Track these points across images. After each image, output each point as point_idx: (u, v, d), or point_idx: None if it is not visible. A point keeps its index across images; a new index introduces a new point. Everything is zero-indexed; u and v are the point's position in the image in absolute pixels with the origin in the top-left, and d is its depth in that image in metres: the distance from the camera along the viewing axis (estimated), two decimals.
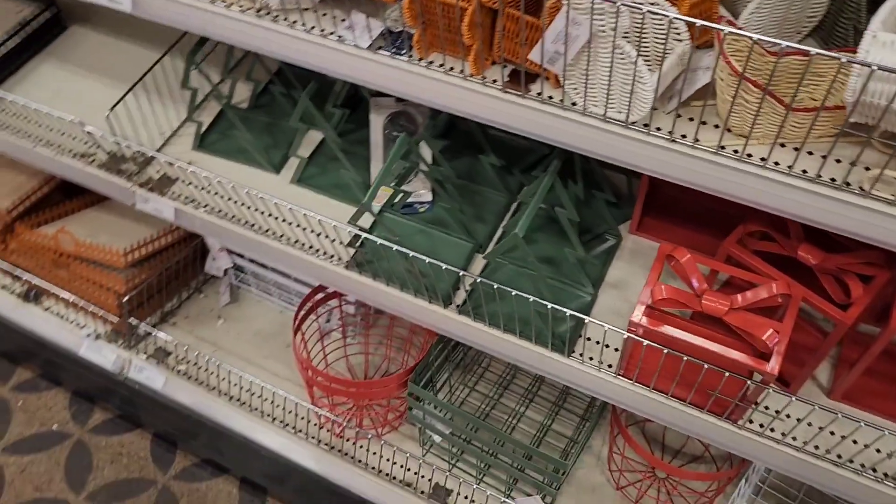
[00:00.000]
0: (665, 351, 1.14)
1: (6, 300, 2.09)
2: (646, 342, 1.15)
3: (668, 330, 1.12)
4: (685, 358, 1.13)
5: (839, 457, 1.19)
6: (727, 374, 1.11)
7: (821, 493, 1.70)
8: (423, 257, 1.31)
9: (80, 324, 2.00)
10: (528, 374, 1.93)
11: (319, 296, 1.80)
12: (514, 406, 1.87)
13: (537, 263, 1.38)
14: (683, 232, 1.51)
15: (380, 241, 1.35)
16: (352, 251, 1.48)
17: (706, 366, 1.12)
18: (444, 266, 1.30)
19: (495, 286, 1.27)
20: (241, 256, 2.00)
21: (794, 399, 1.12)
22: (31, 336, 2.07)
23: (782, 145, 1.01)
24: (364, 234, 1.38)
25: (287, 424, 1.82)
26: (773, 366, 1.08)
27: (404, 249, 1.31)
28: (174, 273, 2.02)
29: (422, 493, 1.70)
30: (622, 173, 1.64)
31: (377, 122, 1.61)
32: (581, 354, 1.35)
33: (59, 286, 1.97)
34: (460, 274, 1.30)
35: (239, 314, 2.09)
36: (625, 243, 1.53)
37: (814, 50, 0.81)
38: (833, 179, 0.96)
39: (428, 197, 1.60)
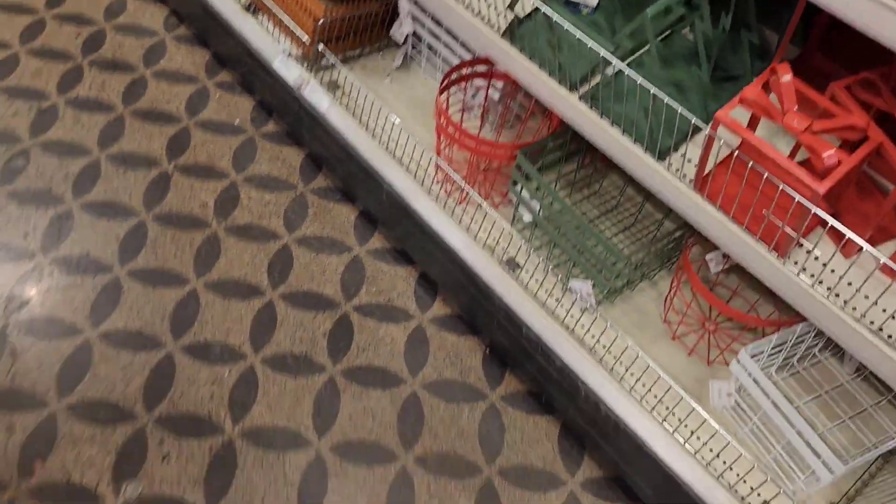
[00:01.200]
0: (736, 153, 1.27)
1: (232, 7, 2.48)
2: (722, 140, 1.28)
3: (743, 133, 1.25)
4: (750, 163, 1.26)
5: (855, 308, 1.29)
6: (781, 186, 1.23)
7: (852, 395, 1.78)
8: (568, 26, 1.48)
9: (280, 41, 2.36)
10: (630, 209, 2.08)
11: (468, 70, 2.03)
12: (606, 231, 2.04)
13: (658, 65, 1.51)
14: None
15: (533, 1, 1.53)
16: (511, 16, 1.68)
17: (766, 175, 1.24)
18: (579, 37, 1.46)
19: (615, 68, 1.42)
20: (423, 26, 2.25)
21: (825, 231, 1.22)
22: (242, 43, 2.47)
23: None
24: None
25: (412, 171, 2.10)
26: (824, 186, 1.18)
27: (550, 12, 1.49)
28: (365, 24, 2.32)
29: (497, 259, 1.94)
30: (774, 30, 1.69)
31: None
32: (669, 164, 1.50)
33: (274, 3, 2.32)
34: (597, 48, 1.45)
35: (405, 79, 2.37)
36: None
37: None
38: None
39: (593, 3, 1.75)
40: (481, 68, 2.04)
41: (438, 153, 2.04)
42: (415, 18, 2.26)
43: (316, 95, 2.27)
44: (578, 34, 1.48)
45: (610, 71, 1.62)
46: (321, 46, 2.23)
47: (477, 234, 2.00)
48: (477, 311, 2.05)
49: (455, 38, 2.19)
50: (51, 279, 2.07)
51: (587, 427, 1.84)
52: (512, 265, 1.93)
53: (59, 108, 2.49)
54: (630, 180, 2.11)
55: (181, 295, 2.07)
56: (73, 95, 2.53)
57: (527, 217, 1.92)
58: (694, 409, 1.60)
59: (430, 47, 2.30)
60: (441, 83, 1.98)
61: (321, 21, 2.16)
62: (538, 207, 1.86)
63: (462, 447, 1.88)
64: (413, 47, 2.38)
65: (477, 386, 1.99)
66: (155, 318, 2.02)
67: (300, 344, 2.02)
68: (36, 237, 2.15)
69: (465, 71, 2.03)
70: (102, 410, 1.85)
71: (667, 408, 1.71)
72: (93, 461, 1.77)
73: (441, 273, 2.12)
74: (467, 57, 2.16)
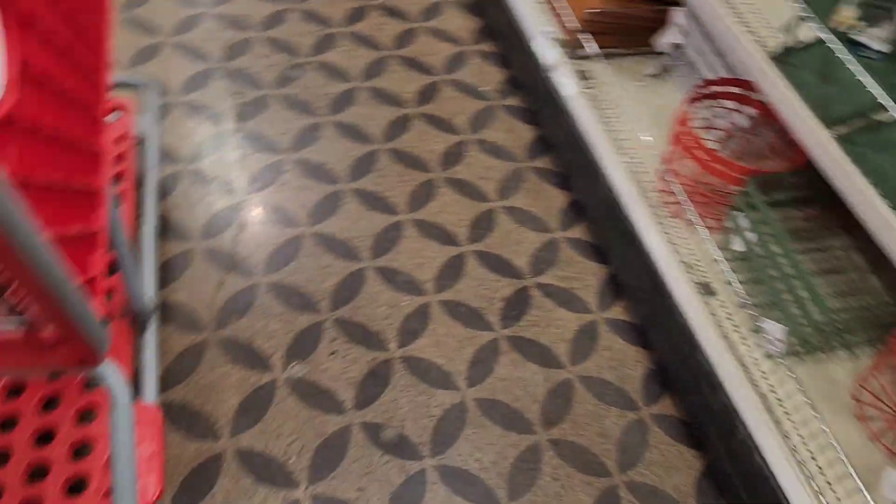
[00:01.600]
0: None
1: None
2: None
3: None
4: None
5: None
6: None
7: None
8: (851, 64, 1.42)
9: (544, 23, 2.46)
10: (852, 276, 1.94)
11: (719, 89, 1.99)
12: (819, 289, 1.92)
13: None
14: None
15: (816, 30, 1.49)
16: (790, 41, 1.64)
17: None
18: (859, 77, 1.40)
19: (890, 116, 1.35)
20: (687, 37, 2.24)
21: None
22: (509, 15, 2.61)
23: None
24: (802, 15, 1.52)
25: (635, 174, 2.11)
26: None
27: (840, 48, 1.44)
28: (632, 26, 2.35)
29: (693, 280, 1.90)
30: None
31: None
32: None
33: None
34: (876, 91, 1.38)
35: (655, 87, 2.38)
36: None
37: None
38: None
39: (883, 49, 1.65)
40: (735, 90, 2.00)
41: (667, 163, 2.03)
42: (682, 31, 2.26)
43: (564, 80, 2.35)
44: (859, 74, 1.41)
45: (881, 117, 1.53)
46: (585, 36, 2.30)
47: (680, 249, 1.96)
48: (655, 326, 2.02)
49: (720, 56, 2.16)
50: (289, 174, 2.33)
51: (733, 473, 1.75)
52: (706, 290, 1.88)
53: (340, 37, 2.78)
54: (859, 248, 1.97)
55: (389, 222, 2.24)
56: (354, 29, 2.82)
57: (738, 246, 1.86)
58: (861, 492, 1.48)
59: (690, 63, 2.28)
60: (691, 93, 1.97)
61: (594, 11, 2.23)
62: (754, 240, 1.80)
63: (599, 447, 1.87)
64: (672, 59, 2.38)
65: (632, 396, 1.97)
66: (362, 234, 2.20)
67: (478, 299, 2.10)
68: (288, 137, 2.43)
69: (718, 88, 2.00)
70: (295, 296, 2.05)
71: (828, 482, 1.59)
72: (274, 335, 1.97)
73: (632, 279, 2.11)
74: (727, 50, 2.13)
